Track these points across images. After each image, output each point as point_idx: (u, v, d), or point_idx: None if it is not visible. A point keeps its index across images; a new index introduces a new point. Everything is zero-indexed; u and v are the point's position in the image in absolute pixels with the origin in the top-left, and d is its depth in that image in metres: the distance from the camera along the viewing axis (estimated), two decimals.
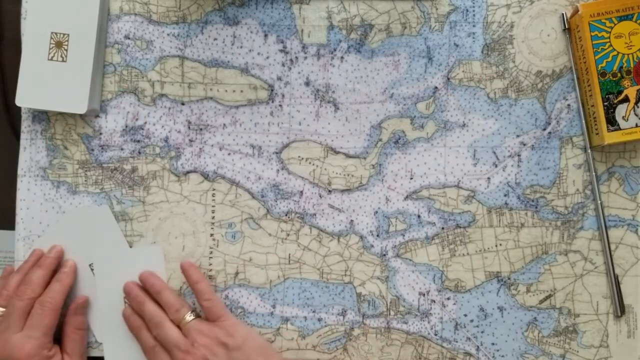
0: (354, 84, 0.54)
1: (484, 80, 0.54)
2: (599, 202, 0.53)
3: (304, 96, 0.54)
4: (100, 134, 0.55)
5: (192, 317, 0.50)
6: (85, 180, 0.55)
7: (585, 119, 0.53)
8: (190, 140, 0.54)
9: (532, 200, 0.54)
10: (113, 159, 0.55)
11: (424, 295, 0.54)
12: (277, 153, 0.54)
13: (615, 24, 0.50)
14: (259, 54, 0.54)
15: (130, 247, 0.54)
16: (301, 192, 0.54)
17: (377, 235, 0.54)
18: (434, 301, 0.54)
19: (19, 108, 0.54)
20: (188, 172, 0.54)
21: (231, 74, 0.54)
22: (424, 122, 0.54)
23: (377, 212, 0.54)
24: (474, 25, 0.54)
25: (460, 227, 0.54)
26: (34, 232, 0.54)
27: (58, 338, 0.51)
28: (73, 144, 0.55)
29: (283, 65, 0.54)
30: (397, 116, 0.54)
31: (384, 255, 0.54)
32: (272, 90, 0.54)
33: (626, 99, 0.51)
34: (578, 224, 0.53)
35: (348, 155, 0.54)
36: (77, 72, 0.52)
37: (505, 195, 0.54)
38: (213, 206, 0.54)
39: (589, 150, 0.53)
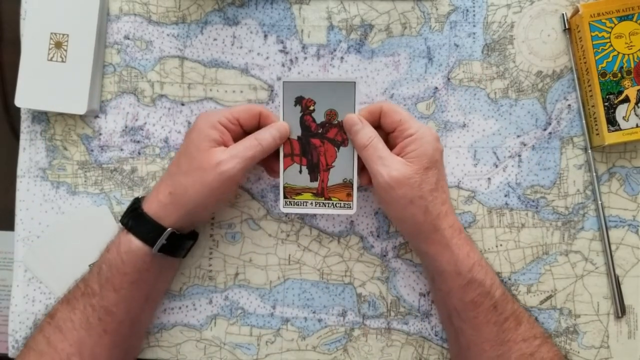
0: None
1: (484, 81, 0.54)
2: (600, 202, 0.53)
3: None
4: (100, 134, 0.54)
5: None
6: (85, 181, 0.54)
7: (586, 119, 0.53)
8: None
9: (533, 201, 0.54)
10: (113, 160, 0.54)
11: (424, 295, 0.54)
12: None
13: (615, 24, 0.50)
14: (258, 54, 0.54)
15: None
16: None
17: (378, 236, 0.54)
18: (435, 301, 0.54)
19: (19, 109, 0.54)
20: None
21: (231, 75, 0.54)
22: (424, 123, 0.54)
23: (377, 212, 0.54)
24: (474, 26, 0.54)
25: None
26: (34, 232, 0.54)
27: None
28: (72, 144, 0.54)
29: (283, 65, 0.54)
30: None
31: (384, 255, 0.54)
32: (272, 90, 0.54)
33: (626, 99, 0.51)
34: (579, 225, 0.53)
35: None
36: (77, 72, 0.52)
37: (505, 196, 0.54)
38: None
39: (590, 151, 0.53)
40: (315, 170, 0.49)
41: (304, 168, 0.49)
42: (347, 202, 0.49)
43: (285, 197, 0.49)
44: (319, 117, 0.48)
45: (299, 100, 0.48)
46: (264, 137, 0.47)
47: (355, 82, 0.47)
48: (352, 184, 0.49)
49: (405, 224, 0.47)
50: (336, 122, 0.48)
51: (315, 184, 0.49)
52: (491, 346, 0.46)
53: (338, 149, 0.49)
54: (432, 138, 0.46)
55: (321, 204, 0.49)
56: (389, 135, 0.48)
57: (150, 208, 0.47)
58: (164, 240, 0.47)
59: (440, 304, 0.50)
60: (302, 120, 0.48)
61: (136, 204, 0.49)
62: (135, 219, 0.48)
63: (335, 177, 0.49)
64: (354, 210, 0.49)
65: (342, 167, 0.49)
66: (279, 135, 0.48)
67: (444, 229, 0.46)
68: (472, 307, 0.46)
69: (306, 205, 0.49)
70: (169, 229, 0.47)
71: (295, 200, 0.49)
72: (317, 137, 0.49)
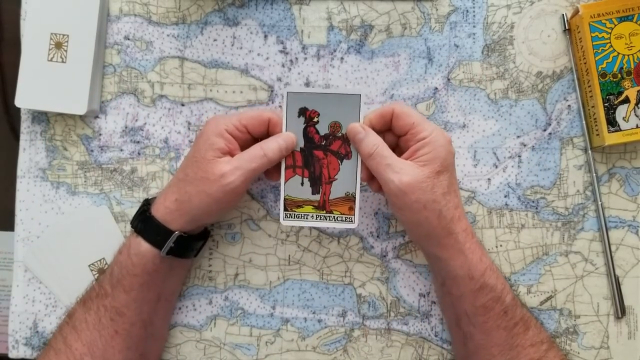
0: (354, 84, 0.54)
1: (484, 81, 0.54)
2: (600, 203, 0.53)
3: None
4: (100, 134, 0.54)
5: None
6: (85, 181, 0.54)
7: (586, 120, 0.53)
8: (190, 141, 0.54)
9: (533, 201, 0.54)
10: (112, 160, 0.54)
11: (424, 296, 0.54)
12: None
13: (615, 25, 0.50)
14: (258, 54, 0.54)
15: None
16: None
17: (377, 237, 0.54)
18: (435, 302, 0.54)
19: (19, 109, 0.54)
20: None
21: (231, 75, 0.54)
22: None
23: (377, 213, 0.54)
24: (474, 26, 0.54)
25: None
26: (33, 232, 0.54)
27: None
28: (72, 144, 0.54)
29: (283, 66, 0.54)
30: None
31: (384, 256, 0.54)
32: (272, 91, 0.54)
33: (627, 100, 0.51)
34: (578, 225, 0.53)
35: None
36: (77, 73, 0.52)
37: (505, 196, 0.54)
38: None
39: (590, 151, 0.53)
40: (317, 182, 0.48)
41: (306, 180, 0.48)
42: (349, 216, 0.48)
43: (285, 209, 0.49)
44: (323, 129, 0.48)
45: (302, 112, 0.48)
46: (270, 148, 0.46)
47: (360, 95, 0.47)
48: (355, 198, 0.48)
49: (418, 229, 0.46)
50: (340, 134, 0.48)
51: (317, 197, 0.49)
52: (500, 351, 0.46)
53: (341, 162, 0.48)
54: (445, 141, 0.46)
55: (322, 217, 0.49)
56: (400, 139, 0.48)
57: (157, 211, 0.48)
58: (171, 244, 0.47)
59: (449, 308, 0.50)
60: (305, 131, 0.48)
61: (145, 207, 0.49)
62: (143, 222, 0.48)
63: (337, 190, 0.48)
64: (355, 224, 0.48)
65: (345, 180, 0.48)
66: (286, 146, 0.47)
67: (457, 233, 0.45)
68: (483, 311, 0.46)
69: (307, 219, 0.49)
70: (176, 232, 0.47)
71: (296, 213, 0.49)
72: (320, 149, 0.48)
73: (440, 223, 0.45)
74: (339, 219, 0.48)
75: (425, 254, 0.51)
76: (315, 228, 0.54)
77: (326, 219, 0.49)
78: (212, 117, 0.50)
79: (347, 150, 0.48)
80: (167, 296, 0.51)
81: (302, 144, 0.48)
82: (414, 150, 0.46)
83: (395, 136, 0.48)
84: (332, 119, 0.47)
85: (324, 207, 0.48)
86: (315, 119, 0.48)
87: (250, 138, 0.48)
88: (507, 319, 0.46)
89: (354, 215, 0.48)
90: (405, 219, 0.46)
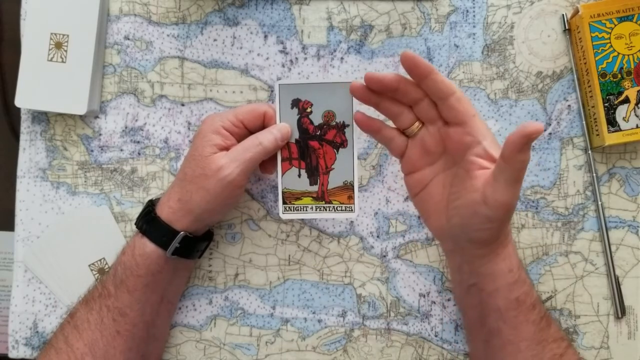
0: None
1: (484, 81, 0.54)
2: (600, 203, 0.53)
3: None
4: (100, 134, 0.54)
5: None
6: (85, 181, 0.54)
7: (586, 120, 0.53)
8: (190, 141, 0.54)
9: (533, 201, 0.54)
10: (112, 160, 0.54)
11: (424, 296, 0.54)
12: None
13: (615, 25, 0.50)
14: (258, 54, 0.54)
15: None
16: None
17: (378, 237, 0.54)
18: (435, 302, 0.54)
19: (19, 109, 0.54)
20: None
21: (231, 75, 0.54)
22: None
23: (377, 213, 0.54)
24: (474, 26, 0.54)
25: None
26: (33, 233, 0.54)
27: None
28: (72, 144, 0.54)
29: (283, 66, 0.54)
30: None
31: (384, 256, 0.54)
32: (272, 91, 0.54)
33: (627, 100, 0.51)
34: (578, 225, 0.53)
35: None
36: (77, 73, 0.52)
37: None
38: None
39: (590, 151, 0.53)
40: (315, 173, 0.48)
41: (303, 172, 0.48)
42: (348, 205, 0.48)
43: (284, 202, 0.49)
44: (317, 119, 0.48)
45: (295, 103, 0.48)
46: (265, 137, 0.47)
47: (351, 83, 0.47)
48: (353, 186, 0.48)
49: (485, 236, 0.43)
50: (334, 123, 0.48)
51: (315, 188, 0.49)
52: (527, 345, 0.45)
53: (337, 151, 0.48)
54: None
55: (322, 208, 0.49)
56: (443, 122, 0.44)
57: (162, 212, 0.47)
58: (177, 244, 0.47)
59: (474, 307, 0.47)
60: (299, 122, 0.48)
61: (149, 207, 0.49)
62: (148, 222, 0.48)
63: (335, 179, 0.48)
64: (355, 213, 0.48)
65: (342, 169, 0.48)
66: (281, 136, 0.47)
67: (509, 230, 0.45)
68: (516, 305, 0.45)
69: (306, 210, 0.49)
70: (182, 232, 0.47)
71: (295, 206, 0.49)
72: (316, 139, 0.48)
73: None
74: (338, 208, 0.48)
75: (466, 255, 0.46)
76: (315, 228, 0.54)
77: (326, 210, 0.48)
78: (208, 115, 0.50)
79: (342, 139, 0.48)
80: (170, 298, 0.51)
81: (297, 135, 0.48)
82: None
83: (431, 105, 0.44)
84: (325, 108, 0.47)
85: (322, 197, 0.48)
86: (309, 110, 0.48)
87: (247, 133, 0.48)
88: (535, 312, 0.45)
89: (354, 204, 0.48)
90: (480, 228, 0.43)
